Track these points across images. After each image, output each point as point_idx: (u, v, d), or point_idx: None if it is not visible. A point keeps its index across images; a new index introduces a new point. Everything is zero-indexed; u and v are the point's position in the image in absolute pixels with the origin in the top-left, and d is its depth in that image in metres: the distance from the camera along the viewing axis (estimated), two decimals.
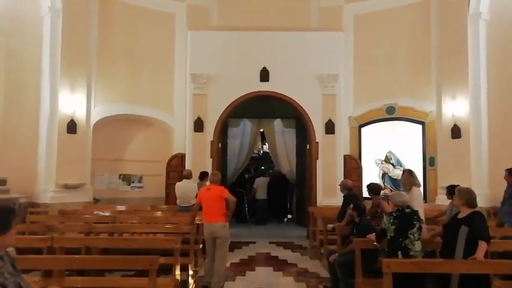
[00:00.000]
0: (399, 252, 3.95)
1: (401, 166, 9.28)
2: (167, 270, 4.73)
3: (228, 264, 6.25)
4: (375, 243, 4.39)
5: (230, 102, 9.13)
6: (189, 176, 7.68)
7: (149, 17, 9.43)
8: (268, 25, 9.02)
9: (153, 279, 3.60)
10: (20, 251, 4.39)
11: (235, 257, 7.15)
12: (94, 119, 8.81)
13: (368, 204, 5.79)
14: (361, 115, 9.54)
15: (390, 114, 9.41)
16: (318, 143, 9.16)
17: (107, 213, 6.91)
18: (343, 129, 9.35)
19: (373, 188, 5.95)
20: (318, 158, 9.14)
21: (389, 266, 3.50)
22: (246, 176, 13.22)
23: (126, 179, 9.57)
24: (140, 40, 9.35)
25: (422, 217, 4.85)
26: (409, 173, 5.55)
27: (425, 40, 9.08)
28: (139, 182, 9.64)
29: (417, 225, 4.06)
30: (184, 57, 9.38)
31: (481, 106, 8.06)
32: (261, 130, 12.32)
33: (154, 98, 9.41)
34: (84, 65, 8.47)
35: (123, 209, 7.72)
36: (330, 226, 6.57)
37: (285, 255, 7.43)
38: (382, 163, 9.61)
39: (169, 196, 8.92)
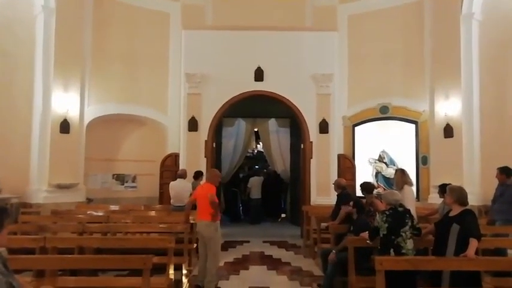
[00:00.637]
0: (391, 250, 3.99)
1: (394, 165, 9.34)
2: (161, 269, 4.72)
3: (221, 263, 6.26)
4: (368, 241, 4.42)
5: (224, 102, 9.13)
6: (183, 176, 7.68)
7: (144, 17, 9.40)
8: (262, 25, 9.04)
9: (146, 279, 3.59)
10: (12, 251, 4.36)
11: (229, 256, 7.15)
12: (87, 119, 8.77)
13: None
14: (355, 114, 9.59)
15: (384, 113, 9.47)
16: (312, 142, 9.19)
17: (100, 213, 6.88)
18: (337, 129, 9.39)
19: (366, 186, 5.99)
20: (312, 157, 9.17)
21: (382, 264, 3.53)
22: (241, 175, 13.22)
23: (120, 178, 9.54)
24: (135, 39, 9.32)
25: (415, 216, 4.90)
26: (401, 172, 5.62)
27: (418, 40, 9.15)
28: (133, 181, 9.61)
29: (409, 224, 4.11)
30: (178, 56, 9.37)
31: (473, 106, 8.13)
32: (256, 129, 12.33)
33: (148, 97, 9.39)
34: (77, 64, 8.43)
35: (117, 208, 7.69)
36: (323, 225, 6.61)
37: (279, 254, 7.44)
38: (375, 162, 9.67)
39: (163, 196, 8.90)
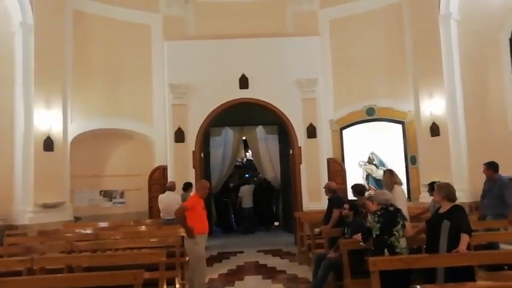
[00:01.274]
0: (385, 250, 3.97)
1: (384, 166, 9.36)
2: (154, 285, 4.61)
3: (207, 278, 6.06)
4: (361, 243, 4.39)
5: (210, 111, 9.08)
6: (172, 188, 7.57)
7: (124, 30, 9.32)
8: (244, 32, 9.05)
9: None
10: (0, 275, 4.20)
11: (223, 268, 7.03)
12: (71, 135, 8.60)
13: None
14: (342, 118, 9.62)
15: (370, 115, 9.52)
16: (300, 147, 9.17)
17: (89, 231, 6.72)
18: (324, 133, 9.40)
19: (358, 188, 5.97)
20: (301, 163, 9.15)
21: (376, 264, 3.50)
22: (231, 184, 13.12)
23: (107, 195, 9.34)
24: (116, 53, 9.22)
25: (406, 215, 4.89)
26: (389, 173, 5.63)
27: (400, 41, 9.26)
28: (121, 197, 9.42)
29: (401, 223, 4.10)
30: (161, 68, 9.30)
31: (457, 103, 8.23)
32: (244, 138, 12.27)
33: (132, 110, 9.27)
34: (59, 80, 8.28)
35: (106, 225, 7.53)
36: (317, 230, 6.55)
37: (274, 262, 7.35)
38: (365, 164, 9.69)
39: (153, 210, 8.75)
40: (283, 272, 6.64)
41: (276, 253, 8.16)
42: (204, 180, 6.16)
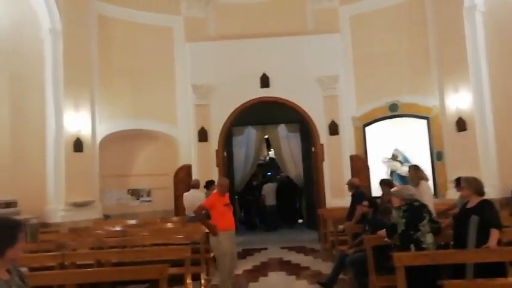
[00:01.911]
0: (411, 245, 3.92)
1: (408, 163, 9.17)
2: (180, 280, 4.73)
3: (238, 272, 6.18)
4: (386, 239, 4.35)
5: (232, 110, 9.17)
6: (196, 186, 7.70)
7: (147, 33, 9.53)
8: (265, 31, 9.09)
9: None
10: (33, 270, 4.41)
11: (248, 264, 7.11)
12: (100, 136, 8.88)
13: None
14: (364, 114, 9.51)
15: (393, 111, 9.38)
16: (322, 145, 9.14)
17: (117, 228, 6.94)
18: (347, 130, 9.33)
19: (387, 181, 5.95)
20: (323, 160, 9.12)
21: (401, 260, 3.48)
22: (254, 183, 13.20)
23: (135, 193, 9.60)
24: (140, 55, 9.44)
25: (433, 211, 4.82)
26: (415, 168, 5.55)
27: (423, 35, 9.08)
28: (148, 196, 9.66)
29: (427, 218, 4.03)
30: (184, 69, 9.47)
31: (484, 97, 8.00)
32: (266, 136, 12.33)
33: (157, 111, 9.48)
34: (86, 84, 8.58)
35: (133, 223, 7.74)
36: (340, 227, 6.54)
37: (298, 259, 7.38)
38: (389, 161, 9.54)
39: (179, 208, 8.91)
40: (307, 268, 6.65)
41: (299, 250, 8.17)
42: (223, 177, 6.11)
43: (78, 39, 8.48)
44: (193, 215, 7.16)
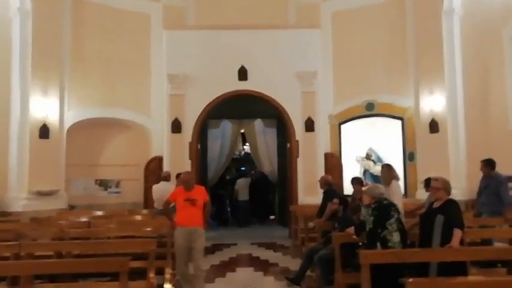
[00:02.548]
0: (378, 244, 3.91)
1: (382, 162, 9.25)
2: (143, 274, 4.57)
3: (206, 267, 6.07)
4: (354, 236, 4.34)
5: (208, 103, 9.02)
6: (167, 178, 7.51)
7: (124, 18, 9.23)
8: (245, 23, 8.94)
9: (124, 282, 3.46)
10: None
11: (216, 259, 6.99)
12: (68, 123, 8.55)
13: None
14: (341, 112, 9.54)
15: (370, 110, 9.44)
16: (297, 141, 9.11)
17: (82, 219, 6.68)
18: (323, 127, 9.33)
19: (359, 179, 5.96)
20: (298, 156, 9.09)
21: (367, 258, 3.45)
22: (228, 177, 13.07)
23: (103, 184, 9.30)
24: (115, 41, 9.13)
25: (402, 211, 4.84)
26: (387, 167, 5.57)
27: (402, 36, 9.17)
28: (117, 187, 9.38)
29: (395, 216, 4.03)
30: (160, 57, 9.21)
31: (458, 100, 8.17)
32: (242, 131, 12.20)
33: (130, 100, 9.20)
34: (56, 68, 8.22)
35: (100, 214, 7.48)
36: (311, 224, 6.52)
37: (267, 255, 7.31)
38: (363, 160, 9.62)
39: (148, 200, 8.69)
40: (276, 264, 6.60)
41: (269, 246, 8.11)
42: (186, 172, 5.74)
43: (49, 20, 8.11)
44: (162, 207, 7.01)
